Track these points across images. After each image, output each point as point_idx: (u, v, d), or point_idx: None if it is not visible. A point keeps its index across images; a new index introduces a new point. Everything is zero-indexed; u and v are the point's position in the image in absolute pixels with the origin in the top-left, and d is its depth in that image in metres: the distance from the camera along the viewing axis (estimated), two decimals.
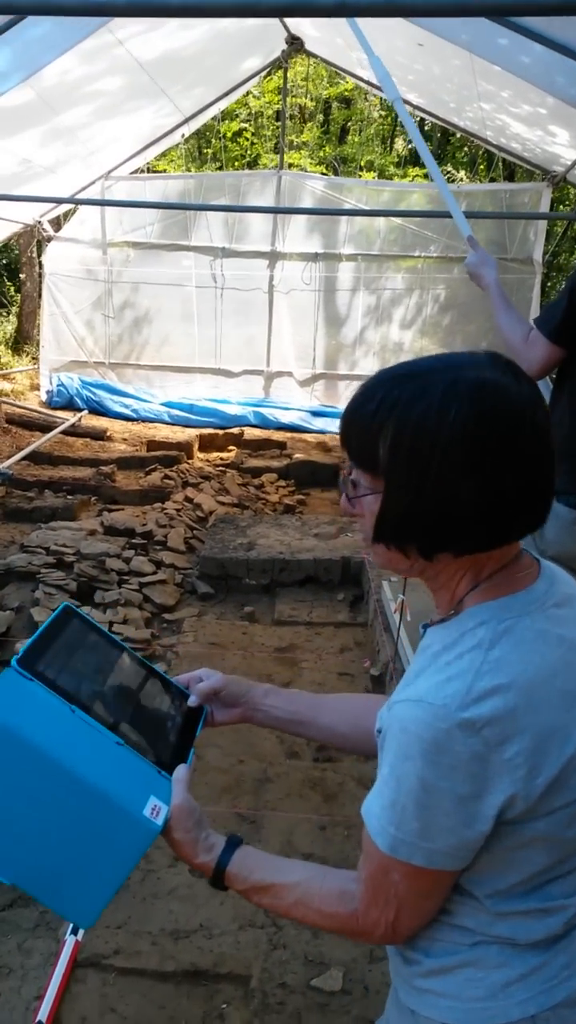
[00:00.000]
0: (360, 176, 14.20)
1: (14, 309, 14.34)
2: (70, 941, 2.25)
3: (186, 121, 9.43)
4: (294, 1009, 2.08)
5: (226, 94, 9.49)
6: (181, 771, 1.06)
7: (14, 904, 2.46)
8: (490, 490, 0.86)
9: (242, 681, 1.27)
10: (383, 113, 15.60)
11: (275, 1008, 2.09)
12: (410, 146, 14.85)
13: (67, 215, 10.59)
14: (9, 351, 12.96)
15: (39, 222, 10.03)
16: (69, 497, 6.46)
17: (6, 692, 0.99)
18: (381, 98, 13.33)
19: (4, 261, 15.45)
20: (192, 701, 1.22)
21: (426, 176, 12.38)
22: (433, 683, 0.87)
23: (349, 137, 16.46)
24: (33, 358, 11.82)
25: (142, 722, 1.11)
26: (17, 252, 13.72)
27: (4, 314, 14.75)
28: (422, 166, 12.78)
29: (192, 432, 9.19)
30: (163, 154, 12.31)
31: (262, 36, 8.61)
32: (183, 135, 9.92)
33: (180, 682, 1.25)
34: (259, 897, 1.01)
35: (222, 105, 9.92)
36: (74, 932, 2.27)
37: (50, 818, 0.95)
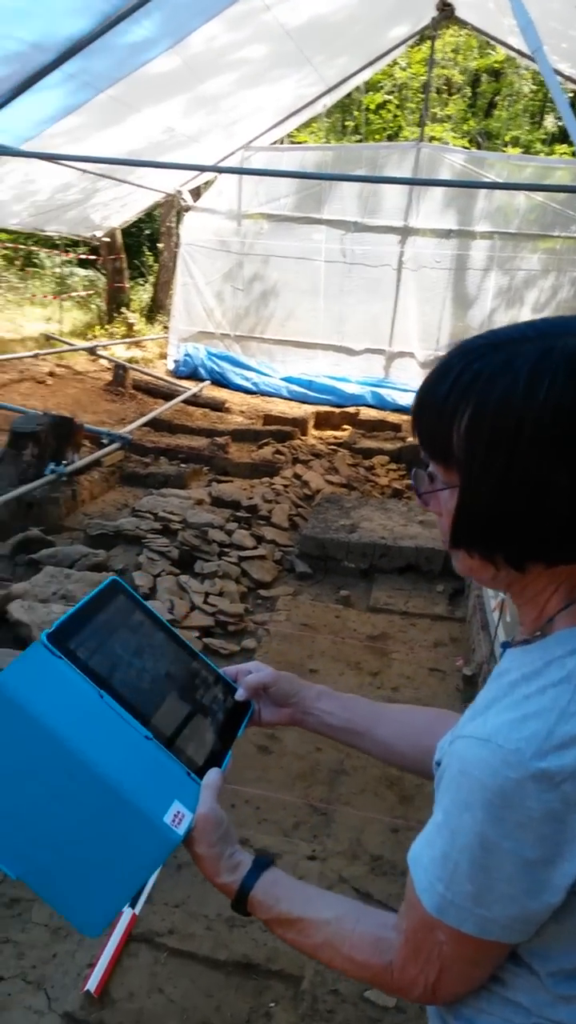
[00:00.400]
0: (504, 152, 13.59)
1: (151, 279, 14.66)
2: (127, 913, 2.23)
3: (329, 91, 9.27)
4: (344, 1019, 1.99)
5: (371, 63, 9.25)
6: (212, 776, 0.94)
7: None
8: None
9: (294, 679, 1.14)
10: (534, 88, 14.84)
11: (324, 1015, 2.00)
12: (560, 123, 14.05)
13: (206, 185, 10.66)
14: (143, 319, 13.27)
15: (179, 192, 10.14)
16: (182, 465, 6.53)
17: (30, 668, 0.91)
18: (534, 71, 12.64)
19: (148, 232, 15.81)
20: (239, 695, 1.10)
21: (575, 154, 11.69)
22: (506, 720, 0.73)
23: (496, 112, 15.79)
24: (164, 327, 12.06)
25: (180, 715, 1.01)
26: (158, 222, 13.99)
27: (142, 283, 15.13)
28: (571, 144, 12.07)
29: (308, 408, 9.12)
30: (304, 125, 12.19)
31: (412, 1, 8.30)
32: (325, 105, 9.75)
33: (228, 674, 1.14)
34: (283, 931, 0.89)
35: (366, 75, 9.70)
36: (132, 904, 2.25)
37: (62, 812, 0.87)
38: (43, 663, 0.91)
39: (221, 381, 10.10)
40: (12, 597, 3.71)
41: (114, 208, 10.09)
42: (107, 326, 12.68)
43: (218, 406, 9.02)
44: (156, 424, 7.78)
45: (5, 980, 2.09)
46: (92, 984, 2.02)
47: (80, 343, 11.04)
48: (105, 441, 6.31)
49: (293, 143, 12.36)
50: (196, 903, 2.31)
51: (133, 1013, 1.98)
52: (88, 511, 5.39)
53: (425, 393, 0.80)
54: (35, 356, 9.33)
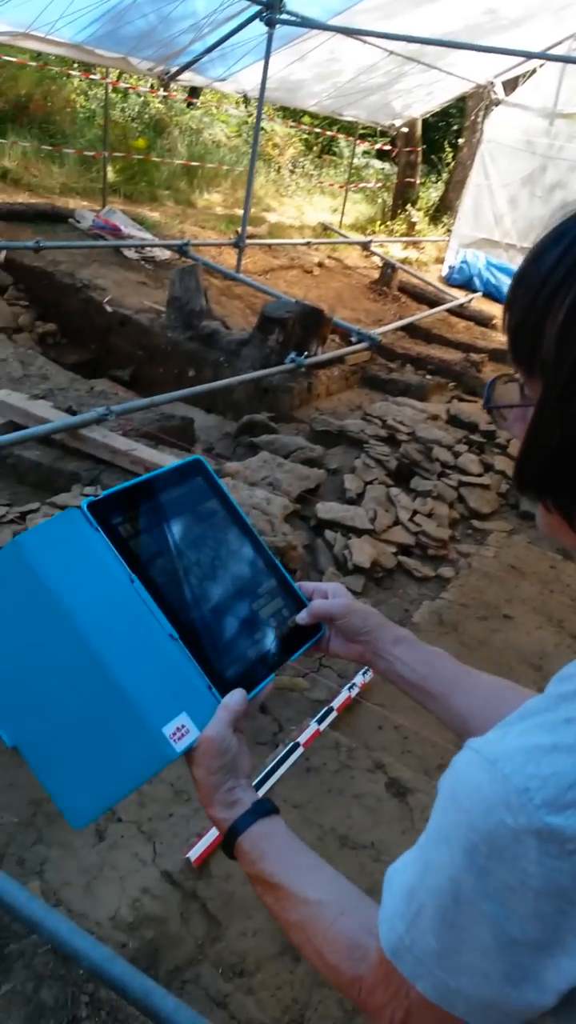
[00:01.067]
0: None
1: (444, 176, 13.96)
2: None
3: None
4: None
5: None
6: (234, 697, 0.82)
7: None
8: None
9: (371, 616, 0.97)
10: None
11: None
12: None
13: (524, 78, 9.75)
14: (427, 218, 12.74)
15: (491, 83, 9.39)
16: (428, 377, 6.27)
17: (60, 533, 0.82)
18: None
19: (454, 126, 14.97)
20: (300, 618, 0.96)
21: None
22: (529, 744, 0.55)
23: None
24: (447, 231, 11.48)
25: (224, 622, 0.89)
26: (462, 116, 13.15)
27: (433, 180, 14.45)
28: None
29: None
30: None
31: None
32: None
33: (305, 591, 0.99)
34: (262, 891, 0.78)
35: None
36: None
37: (62, 691, 0.80)
38: (76, 531, 0.83)
39: (495, 295, 9.47)
40: (223, 475, 3.79)
41: (418, 96, 9.58)
42: (388, 222, 12.33)
43: (484, 321, 8.50)
44: (412, 330, 7.51)
45: (123, 822, 2.21)
46: (194, 853, 2.07)
47: (356, 237, 10.86)
48: (353, 339, 6.19)
49: None
50: (314, 810, 2.29)
51: (225, 894, 2.02)
52: (319, 406, 5.36)
53: (522, 270, 0.60)
54: (307, 245, 9.30)
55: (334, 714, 2.63)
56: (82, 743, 0.79)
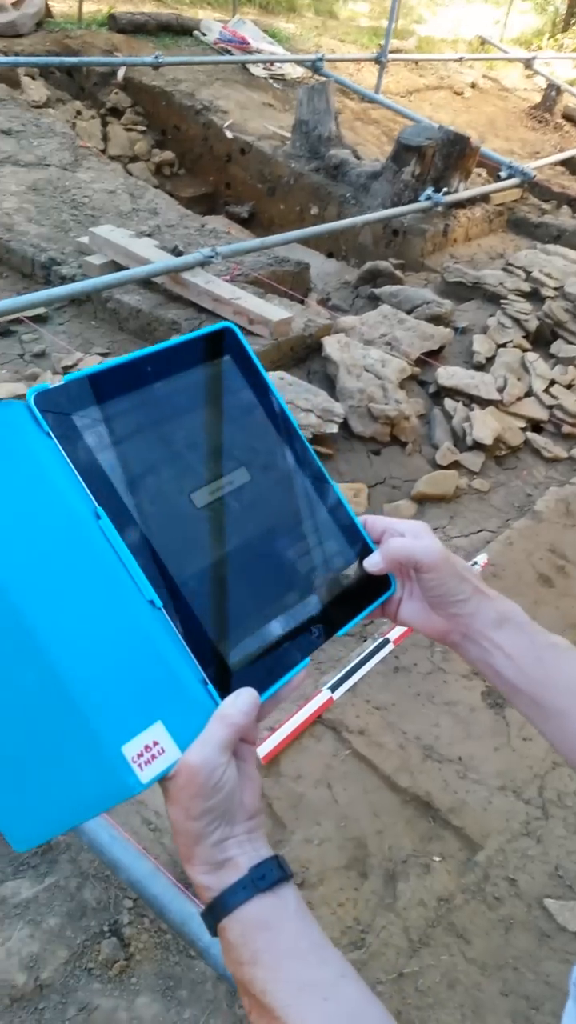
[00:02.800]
0: None
1: None
2: (325, 695, 2.08)
3: None
4: (508, 915, 1.70)
5: None
6: (236, 704, 0.55)
7: None
8: None
9: (469, 575, 0.66)
10: None
11: (488, 899, 1.73)
12: None
13: None
14: None
15: None
16: None
17: None
18: None
19: None
20: (371, 563, 0.67)
21: None
22: None
23: None
24: None
25: (244, 581, 0.61)
26: None
27: None
28: None
29: None
30: None
31: None
32: None
33: (371, 530, 0.69)
34: (247, 1003, 0.53)
35: None
36: (332, 688, 2.10)
37: (2, 682, 0.53)
38: (17, 436, 0.54)
39: None
40: (337, 329, 3.42)
41: None
42: (560, 36, 10.68)
43: None
44: (573, 165, 6.54)
45: None
46: (263, 750, 1.93)
47: (518, 52, 9.46)
48: (503, 174, 5.42)
49: None
50: (399, 714, 2.09)
51: (294, 796, 1.88)
52: (456, 252, 4.77)
53: None
54: (459, 61, 8.16)
55: None
56: (25, 747, 0.54)
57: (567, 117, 7.74)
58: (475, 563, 2.55)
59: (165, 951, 1.50)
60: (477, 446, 3.10)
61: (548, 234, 5.14)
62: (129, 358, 0.61)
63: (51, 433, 0.55)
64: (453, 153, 4.64)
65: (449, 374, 3.35)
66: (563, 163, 6.42)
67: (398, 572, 0.69)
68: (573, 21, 10.80)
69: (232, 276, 3.61)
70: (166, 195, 4.55)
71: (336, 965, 0.53)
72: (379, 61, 6.76)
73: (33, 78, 5.42)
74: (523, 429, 3.31)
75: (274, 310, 3.22)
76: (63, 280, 3.39)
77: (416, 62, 7.84)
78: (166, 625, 0.55)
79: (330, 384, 3.15)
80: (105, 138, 5.47)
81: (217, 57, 6.47)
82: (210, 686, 0.56)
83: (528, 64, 8.94)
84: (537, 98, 7.94)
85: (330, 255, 4.77)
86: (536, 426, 3.39)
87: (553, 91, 7.74)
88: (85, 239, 3.60)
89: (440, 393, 3.33)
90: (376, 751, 1.99)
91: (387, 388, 3.08)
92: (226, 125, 5.52)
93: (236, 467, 0.63)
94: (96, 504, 0.55)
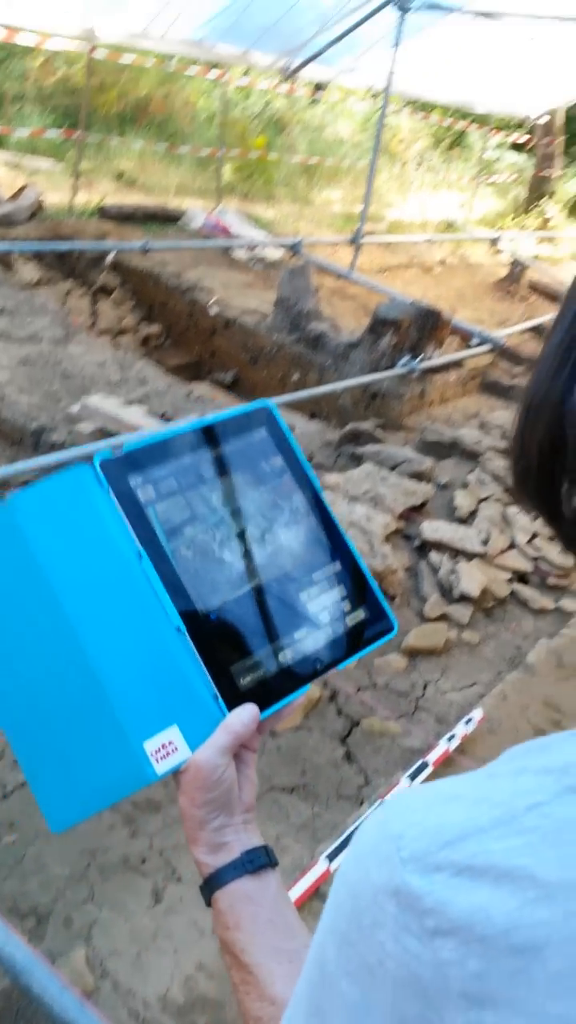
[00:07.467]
0: None
1: None
2: (322, 865, 1.99)
3: None
4: None
5: None
6: (239, 716, 0.67)
7: (295, 791, 2.28)
8: None
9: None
10: None
11: None
12: None
13: None
14: (565, 212, 12.05)
15: None
16: None
17: (63, 492, 0.69)
18: None
19: None
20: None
21: None
22: (437, 793, 0.43)
23: None
24: None
25: (260, 617, 0.73)
26: None
27: (573, 173, 13.66)
28: None
29: None
30: None
31: None
32: None
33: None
34: (228, 962, 0.66)
35: None
36: (331, 857, 2.00)
37: (47, 675, 0.68)
38: (82, 491, 0.69)
39: None
40: (322, 486, 3.52)
41: (561, 84, 8.97)
42: (520, 217, 11.71)
43: None
44: (541, 333, 6.99)
45: (183, 883, 2.00)
46: None
47: (482, 232, 10.33)
48: (474, 342, 5.78)
49: None
50: None
51: None
52: (433, 413, 5.00)
53: None
54: (428, 242, 8.88)
55: (429, 769, 2.31)
56: (65, 742, 0.68)
57: (532, 288, 8.35)
58: (471, 719, 2.51)
59: None
60: (464, 598, 3.13)
61: (520, 396, 5.41)
62: (177, 431, 0.73)
63: (109, 490, 0.68)
64: (427, 325, 4.97)
65: (433, 528, 3.43)
66: (531, 330, 6.86)
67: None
68: (533, 205, 11.87)
69: None
70: (153, 365, 4.80)
71: (302, 939, 0.65)
72: (354, 242, 7.35)
73: (26, 260, 5.84)
74: (509, 581, 3.35)
75: None
76: (52, 447, 3.50)
77: (388, 243, 8.53)
78: (188, 647, 0.68)
79: None
80: (94, 314, 5.83)
81: (203, 242, 7.02)
82: (220, 700, 0.67)
83: (494, 242, 9.74)
84: (503, 272, 8.58)
85: (312, 416, 4.98)
86: (522, 577, 3.43)
87: (518, 266, 8.39)
88: (75, 408, 3.77)
89: (425, 547, 3.39)
90: None
91: (373, 543, 3.14)
92: (211, 302, 5.91)
93: (261, 522, 0.75)
94: (140, 547, 0.68)
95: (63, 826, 0.67)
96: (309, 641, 0.74)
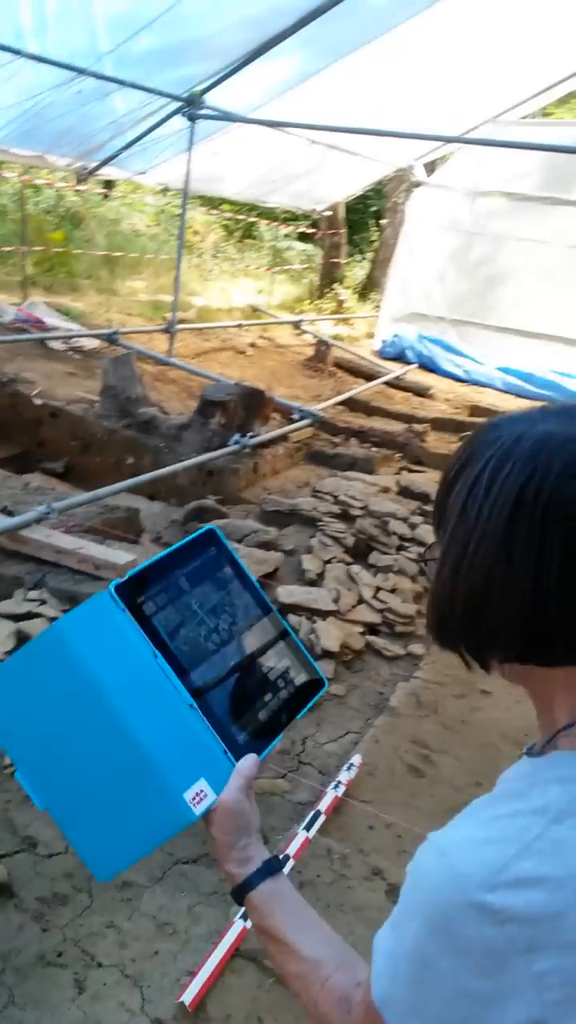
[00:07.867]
0: None
1: (369, 255, 14.45)
2: (238, 926, 2.04)
3: None
4: None
5: None
6: (247, 762, 0.92)
7: (199, 860, 2.32)
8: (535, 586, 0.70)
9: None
10: None
11: None
12: None
13: (441, 160, 10.21)
14: (356, 296, 13.10)
15: (411, 166, 9.78)
16: (373, 449, 6.26)
17: (92, 616, 0.91)
18: None
19: (373, 207, 15.58)
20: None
21: None
22: (470, 837, 0.70)
23: None
24: (376, 307, 11.80)
25: (237, 686, 0.97)
26: (384, 197, 13.71)
27: (359, 260, 14.95)
28: None
29: (524, 404, 8.49)
30: (561, 101, 11.35)
31: None
32: None
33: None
34: (266, 942, 0.89)
35: None
36: (244, 917, 2.06)
37: (93, 759, 0.89)
38: (105, 613, 0.90)
39: (429, 366, 9.67)
40: None
41: (340, 181, 9.91)
42: (317, 301, 12.62)
43: (422, 391, 8.64)
44: (352, 404, 7.56)
45: (104, 967, 1.96)
46: (188, 996, 1.85)
47: (285, 316, 11.04)
48: (295, 416, 6.17)
49: (546, 117, 11.58)
50: None
51: None
52: (268, 486, 5.27)
53: (450, 459, 0.80)
54: (239, 327, 9.39)
55: (322, 818, 2.43)
56: (110, 806, 0.89)
57: (337, 365, 9.00)
58: (351, 765, 2.67)
59: None
60: (327, 654, 3.32)
61: (343, 463, 5.82)
62: (159, 556, 0.95)
63: (124, 609, 0.90)
64: (252, 403, 5.28)
65: (288, 592, 3.62)
66: (343, 403, 7.40)
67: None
68: (326, 290, 12.84)
69: (67, 527, 3.77)
70: None
71: (312, 912, 0.89)
72: (168, 331, 7.64)
73: None
74: (362, 633, 3.59)
75: (117, 554, 3.39)
76: None
77: (201, 329, 8.91)
78: (200, 718, 0.90)
79: None
80: None
81: (17, 336, 7.02)
82: (229, 754, 0.91)
83: (296, 325, 10.43)
84: (309, 352, 9.21)
85: (151, 497, 5.09)
86: (373, 629, 3.69)
87: (323, 345, 9.04)
88: None
89: (283, 610, 3.57)
90: None
91: None
92: (34, 393, 5.91)
93: (227, 617, 0.99)
94: (154, 648, 0.90)
95: (110, 874, 0.88)
96: (275, 702, 0.99)
